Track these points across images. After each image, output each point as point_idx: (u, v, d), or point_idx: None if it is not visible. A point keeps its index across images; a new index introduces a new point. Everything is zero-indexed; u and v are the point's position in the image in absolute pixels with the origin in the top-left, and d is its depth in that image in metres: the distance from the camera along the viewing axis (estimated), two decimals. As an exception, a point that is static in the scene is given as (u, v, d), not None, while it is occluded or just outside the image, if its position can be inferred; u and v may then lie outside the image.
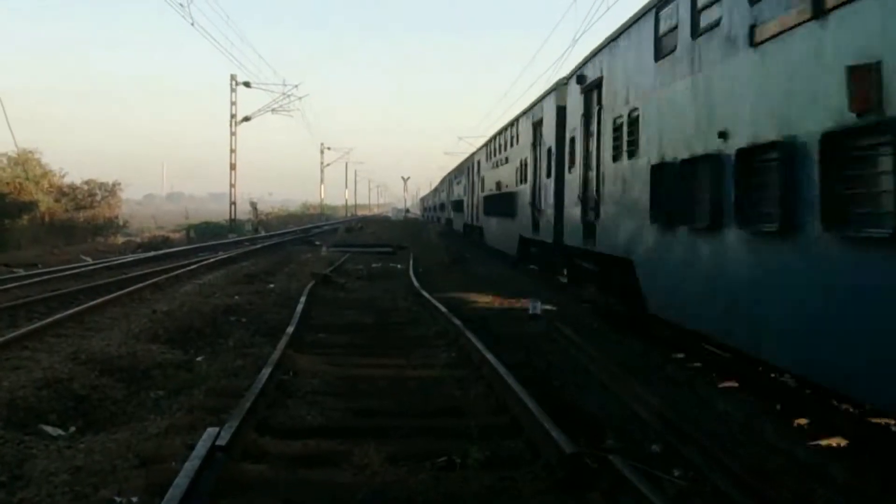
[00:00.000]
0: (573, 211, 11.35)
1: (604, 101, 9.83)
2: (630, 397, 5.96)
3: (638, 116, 8.27)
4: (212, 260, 20.30)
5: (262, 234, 38.06)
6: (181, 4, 22.68)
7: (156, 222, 47.23)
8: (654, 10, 7.75)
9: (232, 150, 37.02)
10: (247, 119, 37.62)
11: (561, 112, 12.64)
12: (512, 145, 18.46)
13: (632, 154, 8.46)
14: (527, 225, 15.79)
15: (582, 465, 4.05)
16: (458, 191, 35.19)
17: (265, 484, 4.09)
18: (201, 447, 4.07)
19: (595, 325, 9.81)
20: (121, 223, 35.76)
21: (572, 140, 11.63)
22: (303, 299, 11.10)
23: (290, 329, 8.31)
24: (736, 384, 6.55)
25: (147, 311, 10.83)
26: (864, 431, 5.10)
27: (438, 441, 4.83)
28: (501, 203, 19.33)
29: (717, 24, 6.22)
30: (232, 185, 37.64)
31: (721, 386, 6.54)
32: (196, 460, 3.85)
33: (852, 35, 4.39)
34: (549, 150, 13.47)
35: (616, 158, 9.07)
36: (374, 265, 19.05)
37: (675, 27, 7.20)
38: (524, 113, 16.75)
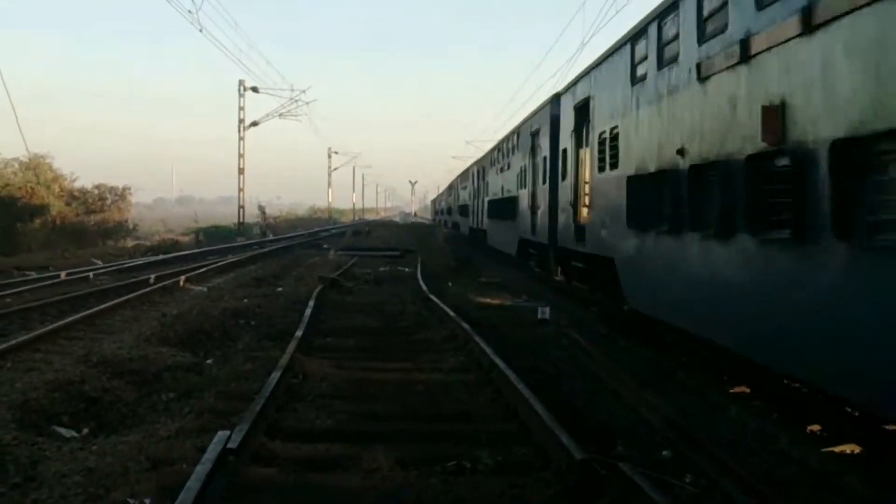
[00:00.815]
0: (565, 215, 12.59)
1: (591, 118, 10.95)
2: (640, 403, 5.94)
3: (618, 133, 9.41)
4: (221, 263, 20.41)
5: (271, 237, 38.20)
6: (190, 11, 22.82)
7: (165, 225, 47.50)
8: (630, 42, 8.95)
9: (240, 155, 37.21)
10: (255, 124, 37.82)
11: (555, 125, 13.72)
12: (513, 153, 19.44)
13: (613, 166, 9.62)
14: (526, 227, 16.80)
15: (592, 471, 4.04)
16: (464, 196, 35.56)
17: (275, 487, 4.10)
18: (212, 450, 4.09)
19: (603, 330, 9.79)
20: (131, 227, 35.99)
21: (565, 151, 12.85)
22: (311, 303, 11.13)
23: (299, 333, 8.33)
24: (747, 390, 6.51)
25: (157, 314, 10.91)
26: (877, 438, 5.06)
27: (447, 446, 4.83)
28: (503, 207, 20.46)
29: (675, 58, 7.42)
30: (241, 189, 37.81)
31: (732, 392, 6.51)
32: (207, 463, 3.87)
33: (766, 79, 5.47)
34: (545, 159, 14.52)
35: (601, 169, 10.22)
36: (381, 269, 19.08)
37: (646, 58, 8.39)
38: (524, 123, 17.77)
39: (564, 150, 12.83)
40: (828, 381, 4.85)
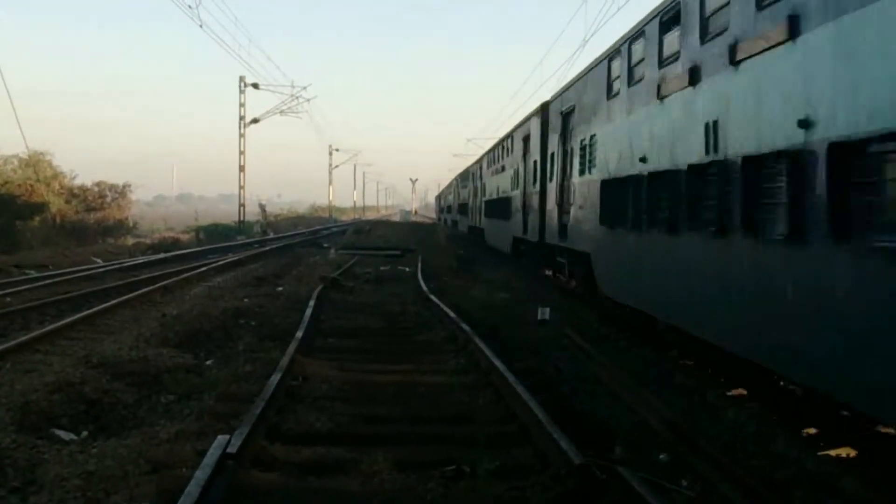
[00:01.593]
0: (552, 214, 13.64)
1: (574, 126, 12.07)
2: (640, 405, 5.95)
3: (595, 141, 10.51)
4: (221, 262, 20.41)
5: (271, 235, 38.20)
6: (190, 7, 22.75)
7: (166, 223, 47.48)
8: (607, 60, 10.08)
9: (241, 152, 37.21)
10: (255, 121, 37.81)
11: (544, 130, 14.69)
12: (508, 155, 20.41)
13: (590, 170, 10.72)
14: (518, 226, 17.78)
15: (591, 475, 4.04)
16: (464, 195, 35.90)
17: (275, 492, 4.11)
18: (212, 455, 4.09)
19: (603, 331, 9.80)
20: (131, 224, 35.96)
21: (552, 155, 13.86)
22: (312, 303, 11.14)
23: (299, 334, 8.33)
24: (745, 392, 6.52)
25: (157, 314, 10.92)
26: (873, 441, 5.07)
27: (447, 449, 4.84)
28: (499, 207, 21.55)
29: (642, 78, 8.54)
30: (241, 187, 37.81)
31: (730, 394, 6.52)
32: (207, 468, 3.88)
33: (706, 102, 6.65)
34: (536, 162, 15.46)
35: (581, 173, 11.34)
36: (382, 268, 19.09)
37: (619, 76, 9.51)
38: (518, 127, 18.68)
39: (552, 154, 13.84)
40: (727, 339, 6.34)
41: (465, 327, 8.91)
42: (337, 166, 69.41)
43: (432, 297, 12.40)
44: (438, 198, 63.74)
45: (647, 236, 8.20)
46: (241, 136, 37.02)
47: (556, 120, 13.47)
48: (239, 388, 6.38)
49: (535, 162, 15.55)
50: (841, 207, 4.51)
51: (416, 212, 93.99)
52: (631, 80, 8.96)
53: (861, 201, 4.39)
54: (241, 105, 36.84)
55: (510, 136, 20.01)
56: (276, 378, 6.04)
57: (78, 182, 33.25)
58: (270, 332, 9.36)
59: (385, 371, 7.29)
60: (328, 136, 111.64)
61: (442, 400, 6.22)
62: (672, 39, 7.57)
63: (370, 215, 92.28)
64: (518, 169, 17.98)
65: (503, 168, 21.20)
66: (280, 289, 14.52)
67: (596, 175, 10.31)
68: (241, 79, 36.75)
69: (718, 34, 6.38)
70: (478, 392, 6.42)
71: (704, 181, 6.65)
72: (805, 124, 4.87)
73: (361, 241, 29.21)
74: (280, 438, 5.00)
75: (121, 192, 34.83)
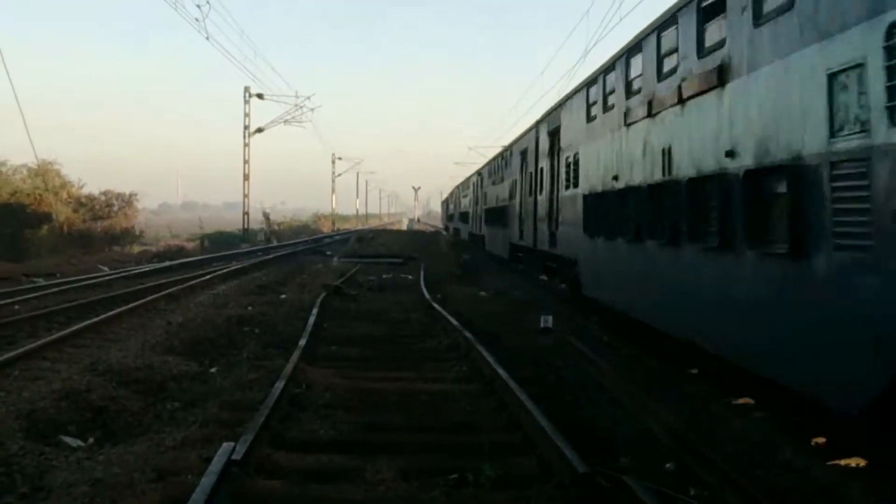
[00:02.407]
0: (544, 224, 14.82)
1: (561, 144, 13.25)
2: (644, 414, 5.94)
3: (578, 159, 11.73)
4: (225, 270, 20.49)
5: (275, 243, 38.31)
6: (197, 19, 23.03)
7: (171, 231, 47.65)
8: (587, 87, 11.36)
9: (245, 161, 37.40)
10: (260, 130, 38.01)
11: (536, 146, 15.86)
12: (506, 167, 21.62)
13: (575, 185, 11.93)
14: (515, 234, 18.98)
15: (595, 484, 4.05)
16: (465, 203, 36.29)
17: (279, 499, 4.13)
18: (217, 462, 4.12)
19: (605, 338, 9.80)
20: (137, 233, 36.12)
21: (542, 169, 15.11)
22: (315, 311, 11.17)
23: (303, 342, 8.36)
24: (751, 401, 6.51)
25: (162, 322, 10.97)
26: (883, 452, 5.04)
27: (450, 457, 4.85)
28: (497, 215, 22.80)
29: (613, 106, 9.85)
30: (245, 195, 37.98)
31: (736, 403, 6.51)
32: (212, 475, 3.91)
33: (662, 131, 7.90)
34: (531, 175, 16.62)
35: (567, 187, 12.62)
36: (384, 276, 19.12)
37: (596, 102, 10.85)
38: (515, 142, 19.94)
39: (542, 169, 15.10)
40: (677, 327, 7.66)
41: (468, 335, 8.92)
42: (339, 174, 69.61)
43: (435, 305, 12.42)
44: (445, 203, 63.11)
45: (618, 245, 9.45)
46: (246, 145, 37.24)
47: (546, 138, 14.68)
48: (243, 396, 6.41)
49: (530, 174, 16.66)
50: (750, 223, 5.83)
51: (418, 219, 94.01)
52: (605, 107, 10.29)
53: (762, 217, 5.66)
54: (246, 115, 37.10)
55: (509, 149, 21.20)
56: (279, 386, 6.07)
57: (85, 191, 33.45)
58: (274, 340, 9.40)
59: (388, 379, 7.31)
60: (331, 145, 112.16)
61: (445, 408, 6.23)
62: (636, 74, 8.88)
63: (372, 223, 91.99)
64: (515, 180, 19.14)
65: (502, 178, 22.34)
66: (283, 297, 14.56)
67: (579, 189, 11.53)
68: (247, 89, 37.02)
69: (670, 73, 7.62)
70: (481, 400, 6.43)
71: (661, 198, 7.90)
72: (731, 154, 6.17)
73: (364, 249, 29.27)
74: (284, 446, 5.03)
75: (127, 200, 34.97)
